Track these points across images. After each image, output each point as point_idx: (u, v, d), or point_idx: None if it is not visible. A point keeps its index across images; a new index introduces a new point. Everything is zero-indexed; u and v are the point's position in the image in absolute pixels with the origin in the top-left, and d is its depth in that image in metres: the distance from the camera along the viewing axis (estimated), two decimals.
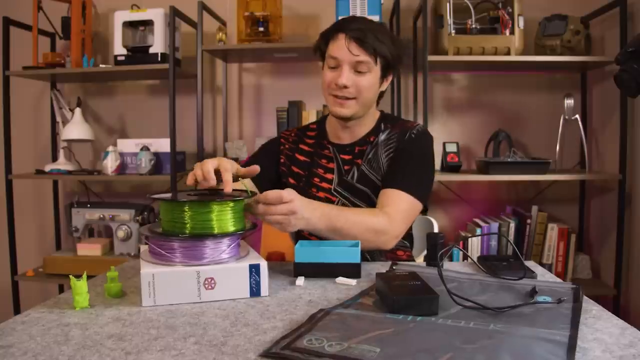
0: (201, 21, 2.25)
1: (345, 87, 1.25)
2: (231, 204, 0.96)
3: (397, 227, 1.21)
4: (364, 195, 1.32)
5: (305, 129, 1.48)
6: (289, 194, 1.04)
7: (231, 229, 0.96)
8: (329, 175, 1.36)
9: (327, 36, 1.29)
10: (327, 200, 1.33)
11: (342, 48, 1.24)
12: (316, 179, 1.37)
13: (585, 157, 2.30)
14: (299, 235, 1.45)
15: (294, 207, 1.04)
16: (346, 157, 1.37)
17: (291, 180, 1.41)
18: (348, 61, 1.24)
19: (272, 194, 1.02)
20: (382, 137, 1.35)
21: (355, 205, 1.32)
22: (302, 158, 1.42)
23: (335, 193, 1.34)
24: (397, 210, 1.22)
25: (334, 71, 1.27)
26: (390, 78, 1.34)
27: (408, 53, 1.34)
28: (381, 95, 1.38)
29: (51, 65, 2.40)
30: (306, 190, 1.36)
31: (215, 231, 0.94)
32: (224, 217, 0.95)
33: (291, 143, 1.45)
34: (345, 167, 1.36)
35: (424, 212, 1.31)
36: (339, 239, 1.16)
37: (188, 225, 0.93)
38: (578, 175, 2.23)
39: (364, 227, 1.16)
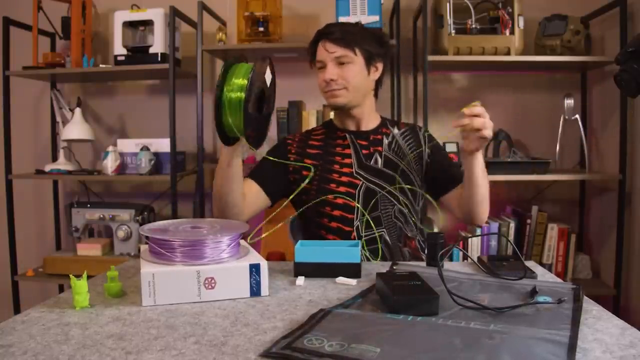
0: (201, 21, 2.25)
1: (332, 80, 1.38)
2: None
3: None
4: (391, 178, 1.43)
5: (311, 131, 1.57)
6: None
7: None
8: (347, 160, 1.44)
9: (311, 48, 1.47)
10: (351, 184, 1.41)
11: (321, 50, 1.41)
12: (336, 166, 1.44)
13: (585, 157, 2.30)
14: (311, 234, 1.46)
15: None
16: (363, 142, 1.46)
17: (305, 172, 1.44)
18: (328, 59, 1.39)
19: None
20: (395, 130, 1.50)
21: (379, 187, 1.41)
22: (313, 151, 1.48)
23: (357, 176, 1.42)
24: None
25: (322, 71, 1.42)
26: (379, 67, 1.45)
27: (386, 41, 1.49)
28: (378, 84, 1.49)
29: (51, 65, 2.40)
30: (325, 176, 1.43)
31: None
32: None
33: (298, 142, 1.52)
34: (364, 152, 1.45)
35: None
36: (482, 181, 1.31)
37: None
38: (578, 175, 2.23)
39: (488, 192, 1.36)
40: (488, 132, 1.19)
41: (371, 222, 1.38)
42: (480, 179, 1.30)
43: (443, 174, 1.48)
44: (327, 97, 1.42)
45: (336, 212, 1.40)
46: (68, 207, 2.49)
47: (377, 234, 1.38)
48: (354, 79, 1.39)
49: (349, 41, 1.38)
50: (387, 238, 1.40)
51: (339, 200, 1.39)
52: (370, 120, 1.49)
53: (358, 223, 1.39)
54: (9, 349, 0.69)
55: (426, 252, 1.17)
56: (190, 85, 2.49)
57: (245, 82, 1.03)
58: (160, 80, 2.67)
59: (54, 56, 2.42)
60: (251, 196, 1.38)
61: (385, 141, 1.47)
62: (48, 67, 2.40)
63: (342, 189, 1.40)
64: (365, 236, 1.37)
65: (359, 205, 1.39)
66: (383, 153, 1.45)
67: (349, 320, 0.76)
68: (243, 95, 1.03)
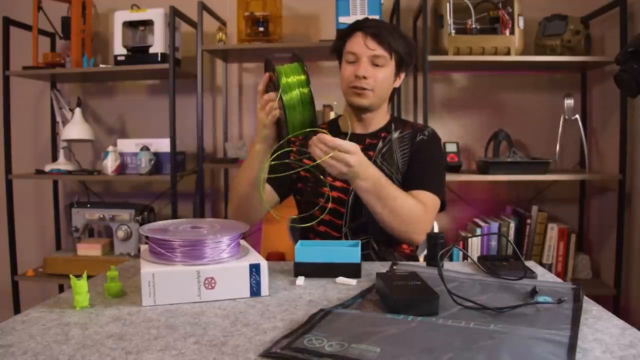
0: (201, 21, 2.25)
1: (365, 77, 1.32)
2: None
3: (428, 221, 1.31)
4: None
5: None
6: (355, 147, 1.13)
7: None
8: None
9: (345, 35, 1.38)
10: (343, 189, 1.38)
11: (359, 43, 1.33)
12: None
13: (585, 157, 2.30)
14: (302, 236, 1.46)
15: (352, 161, 1.12)
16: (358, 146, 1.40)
17: (302, 173, 1.43)
18: (366, 55, 1.33)
19: (343, 143, 1.11)
20: (395, 135, 1.43)
21: None
22: None
23: None
24: (428, 206, 1.31)
25: (353, 65, 1.35)
26: (402, 76, 1.44)
27: (416, 53, 1.46)
28: (394, 92, 1.46)
29: (51, 65, 2.40)
30: (321, 179, 1.40)
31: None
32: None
33: (302, 140, 1.47)
34: None
35: (442, 209, 1.42)
36: (379, 207, 1.22)
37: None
38: (578, 175, 2.23)
39: (406, 208, 1.24)
40: (330, 169, 1.13)
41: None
42: (374, 207, 1.22)
43: (402, 181, 1.40)
44: (352, 94, 1.36)
45: (325, 217, 1.37)
46: (68, 207, 2.49)
47: (364, 241, 1.34)
48: (383, 82, 1.35)
49: (390, 44, 1.33)
50: (374, 245, 1.36)
51: (330, 205, 1.37)
52: (377, 122, 1.44)
53: (346, 230, 1.37)
54: (9, 349, 0.69)
55: (426, 252, 1.17)
56: (190, 85, 2.49)
57: (303, 77, 1.06)
58: (160, 80, 2.67)
59: (54, 56, 2.42)
60: (265, 195, 1.36)
61: (380, 145, 1.41)
62: (48, 67, 2.40)
63: (334, 193, 1.37)
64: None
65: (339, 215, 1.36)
66: (373, 158, 1.39)
67: (349, 320, 0.76)
68: (307, 89, 1.05)
